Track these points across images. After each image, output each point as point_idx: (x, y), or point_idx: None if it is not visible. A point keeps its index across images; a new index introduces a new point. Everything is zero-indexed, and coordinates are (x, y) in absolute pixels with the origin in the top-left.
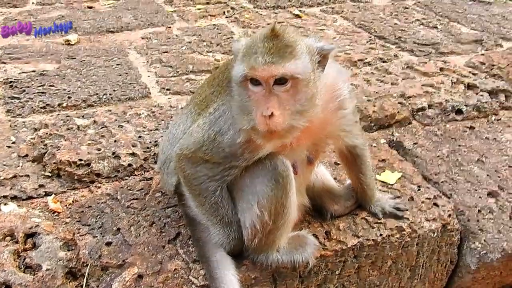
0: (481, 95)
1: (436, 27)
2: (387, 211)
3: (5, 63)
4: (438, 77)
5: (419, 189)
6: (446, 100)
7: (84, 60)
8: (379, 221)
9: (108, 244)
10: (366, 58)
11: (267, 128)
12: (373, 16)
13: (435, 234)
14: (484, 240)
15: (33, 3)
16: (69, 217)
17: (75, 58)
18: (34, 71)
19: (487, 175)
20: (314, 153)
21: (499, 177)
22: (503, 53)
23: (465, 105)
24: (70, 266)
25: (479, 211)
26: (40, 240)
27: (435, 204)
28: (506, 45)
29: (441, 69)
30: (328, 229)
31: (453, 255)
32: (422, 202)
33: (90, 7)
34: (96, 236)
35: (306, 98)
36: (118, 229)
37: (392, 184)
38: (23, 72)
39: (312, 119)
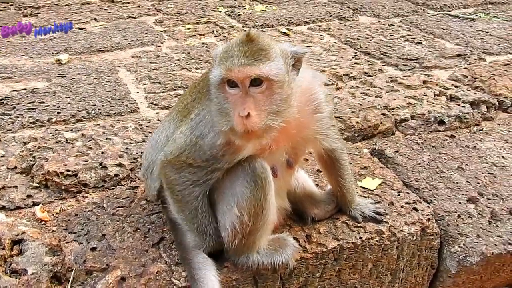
0: (463, 106)
1: (421, 43)
2: (366, 215)
3: None
4: (421, 90)
5: (399, 195)
6: (428, 111)
7: (74, 78)
8: (359, 225)
9: (93, 249)
10: (351, 73)
11: (244, 128)
12: (359, 33)
13: (415, 238)
14: (464, 244)
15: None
16: (55, 226)
17: (65, 76)
18: (25, 89)
19: (467, 181)
20: (293, 157)
21: (478, 183)
22: (485, 67)
23: (447, 116)
24: (55, 271)
25: (458, 216)
26: (26, 246)
27: (415, 209)
28: (489, 59)
29: (424, 82)
30: (308, 232)
31: (434, 259)
32: (402, 206)
33: (82, 29)
34: (82, 243)
35: (281, 99)
36: (103, 235)
37: (373, 190)
38: (14, 90)
39: (288, 119)
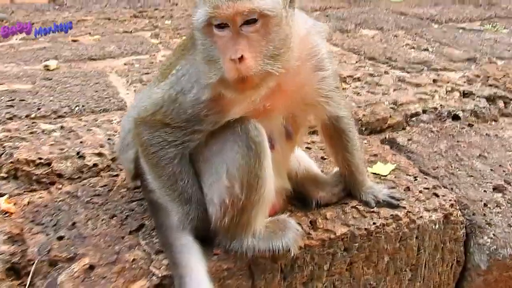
0: (479, 101)
1: (427, 49)
2: (380, 199)
3: None
4: (432, 87)
5: (415, 179)
6: (441, 106)
7: (60, 80)
8: (371, 211)
9: (60, 238)
10: (355, 74)
11: (237, 74)
12: (362, 42)
13: (437, 226)
14: (494, 235)
15: (16, 39)
16: (22, 218)
17: (51, 79)
18: (6, 90)
19: (491, 169)
20: (293, 125)
21: (504, 171)
22: (498, 67)
23: (461, 110)
24: (12, 261)
25: (485, 204)
26: None
27: (435, 194)
28: (500, 63)
29: (435, 80)
30: (313, 218)
31: (460, 254)
32: (420, 191)
33: (75, 41)
34: (49, 234)
35: (279, 39)
36: (74, 223)
37: (385, 176)
38: None
39: (287, 67)
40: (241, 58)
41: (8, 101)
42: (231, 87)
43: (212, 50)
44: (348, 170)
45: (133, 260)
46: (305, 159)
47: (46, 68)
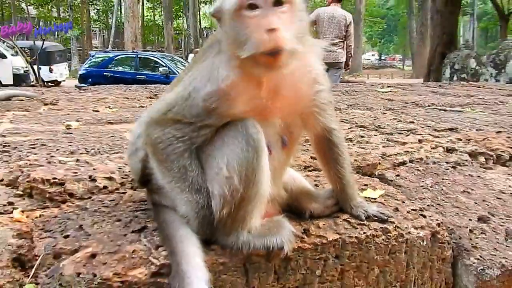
0: (461, 155)
1: (413, 122)
2: (370, 214)
3: (4, 136)
4: (418, 144)
5: (403, 203)
6: (426, 157)
7: (79, 134)
8: (362, 223)
9: (66, 236)
10: (347, 136)
11: (272, 44)
12: (353, 116)
13: (425, 243)
14: (480, 256)
15: (44, 109)
16: (32, 225)
17: (71, 133)
18: (29, 139)
19: (475, 203)
20: (288, 135)
21: (487, 205)
22: (478, 133)
23: (445, 162)
24: (19, 253)
25: (470, 231)
26: None
27: (422, 215)
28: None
29: (420, 140)
30: (307, 227)
31: (448, 275)
32: (408, 212)
33: (95, 111)
34: (56, 237)
35: (301, 22)
36: (81, 226)
37: (375, 199)
38: (19, 139)
39: (303, 50)
40: (275, 30)
41: (31, 145)
42: (261, 62)
43: (242, 30)
44: (339, 183)
45: (133, 251)
46: (299, 177)
47: (68, 127)
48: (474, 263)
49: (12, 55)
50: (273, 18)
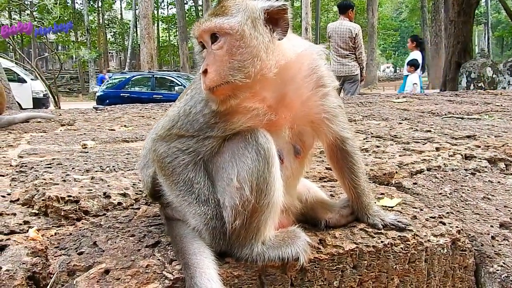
0: (480, 161)
1: (430, 131)
2: (387, 223)
3: (22, 157)
4: (435, 152)
5: (421, 210)
6: (444, 164)
7: (95, 153)
8: (379, 232)
9: (80, 253)
10: (363, 146)
11: (204, 85)
12: (369, 127)
13: (445, 251)
14: (504, 263)
15: (60, 130)
16: (47, 243)
17: (87, 152)
18: (46, 159)
19: (496, 209)
20: (300, 144)
21: (509, 211)
22: (497, 139)
23: (464, 169)
24: (33, 271)
25: (492, 237)
26: (7, 249)
27: (442, 223)
28: (498, 139)
29: (437, 148)
30: (322, 237)
31: (471, 283)
32: (427, 219)
33: (111, 130)
34: (70, 255)
35: (242, 53)
36: (95, 242)
37: (392, 207)
38: (37, 160)
39: (261, 74)
40: (205, 72)
41: (47, 165)
42: (210, 98)
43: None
44: (354, 193)
45: (147, 265)
46: (314, 187)
47: (84, 146)
48: (497, 270)
49: (31, 79)
50: (208, 58)
